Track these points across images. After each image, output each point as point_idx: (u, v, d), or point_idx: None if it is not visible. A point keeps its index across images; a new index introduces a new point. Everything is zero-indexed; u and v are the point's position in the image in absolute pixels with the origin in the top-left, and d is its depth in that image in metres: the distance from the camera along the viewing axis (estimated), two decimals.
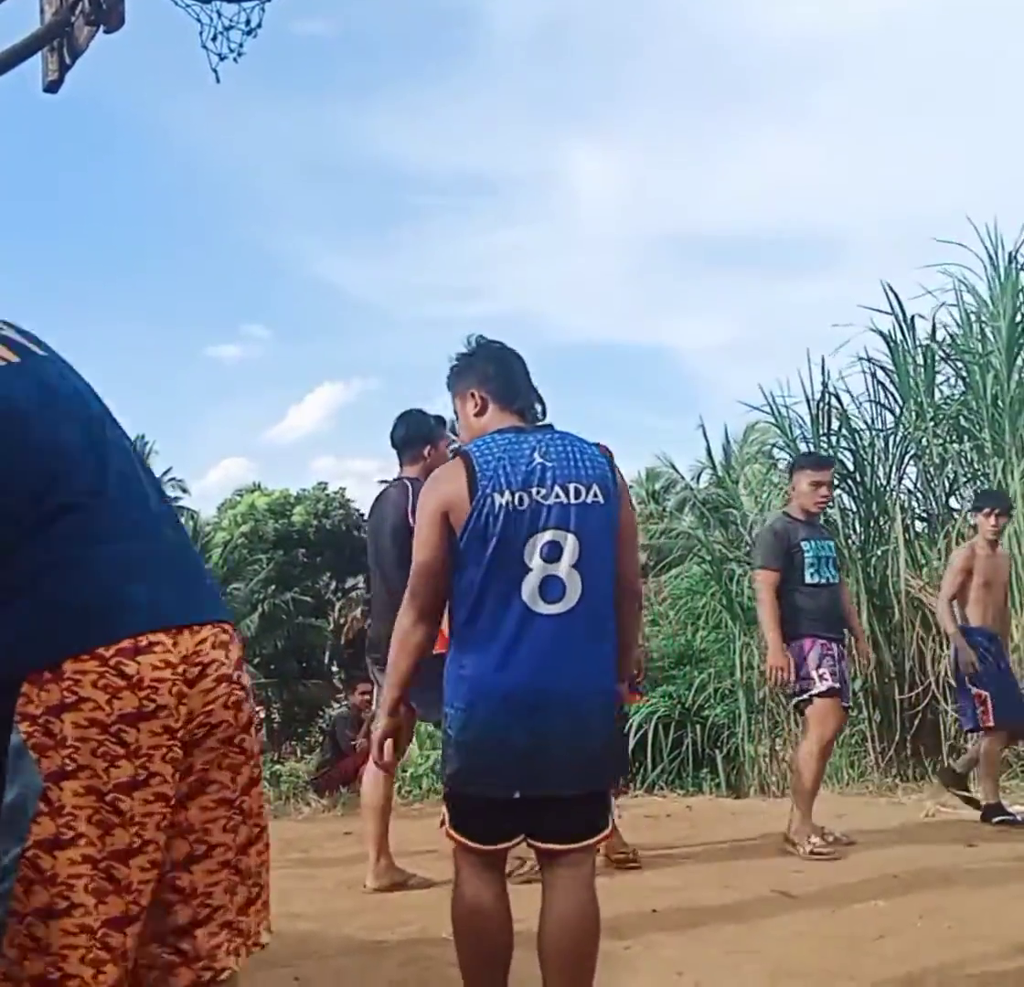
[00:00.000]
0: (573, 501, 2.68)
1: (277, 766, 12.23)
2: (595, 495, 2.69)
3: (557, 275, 48.63)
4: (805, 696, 5.29)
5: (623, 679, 2.98)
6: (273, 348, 50.13)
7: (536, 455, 2.71)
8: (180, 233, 52.01)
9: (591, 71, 49.45)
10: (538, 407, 2.90)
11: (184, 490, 32.03)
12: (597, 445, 2.79)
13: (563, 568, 2.64)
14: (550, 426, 2.83)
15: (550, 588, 2.64)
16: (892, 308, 9.23)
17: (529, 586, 2.63)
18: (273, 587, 29.83)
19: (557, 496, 2.67)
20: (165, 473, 35.10)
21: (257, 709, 2.11)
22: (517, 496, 2.66)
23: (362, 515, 33.33)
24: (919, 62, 47.22)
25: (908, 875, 4.59)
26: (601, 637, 2.70)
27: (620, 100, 49.45)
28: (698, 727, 9.99)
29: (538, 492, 2.67)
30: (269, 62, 50.05)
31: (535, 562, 2.64)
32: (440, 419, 4.88)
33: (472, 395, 2.90)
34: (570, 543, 2.65)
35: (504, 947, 2.70)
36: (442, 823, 2.76)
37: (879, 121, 46.99)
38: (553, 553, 2.64)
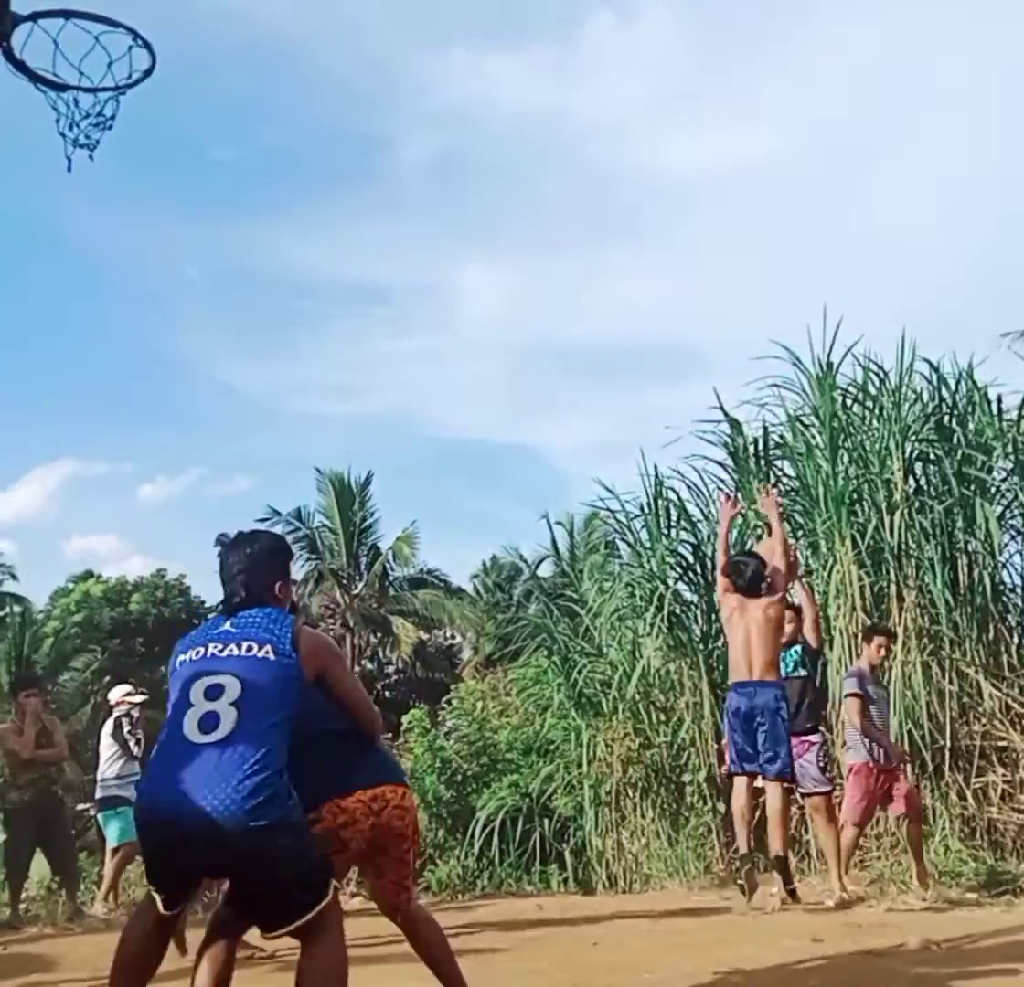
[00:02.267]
0: (241, 654, 3.25)
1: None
2: (264, 652, 3.25)
3: (441, 378, 51.76)
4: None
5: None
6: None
7: (227, 625, 3.36)
8: (75, 333, 52.76)
9: (483, 195, 53.07)
10: (241, 593, 3.46)
11: (13, 576, 30.75)
12: (293, 623, 3.38)
13: (221, 704, 3.15)
14: (256, 609, 3.40)
15: (206, 721, 3.14)
16: (724, 412, 9.66)
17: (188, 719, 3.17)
18: (107, 678, 28.76)
19: (231, 651, 3.26)
20: None
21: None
22: (196, 651, 3.31)
23: (203, 602, 32.73)
24: (769, 199, 51.84)
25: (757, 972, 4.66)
26: (241, 765, 3.05)
27: (508, 222, 53.37)
28: (546, 820, 9.99)
29: (215, 646, 3.30)
30: (184, 184, 51.84)
31: (198, 699, 3.19)
32: None
33: None
34: (233, 685, 3.18)
35: None
36: None
37: (738, 248, 50.88)
38: (215, 693, 3.18)
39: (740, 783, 6.40)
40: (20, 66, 4.71)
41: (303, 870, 3.14)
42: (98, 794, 9.07)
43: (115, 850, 8.84)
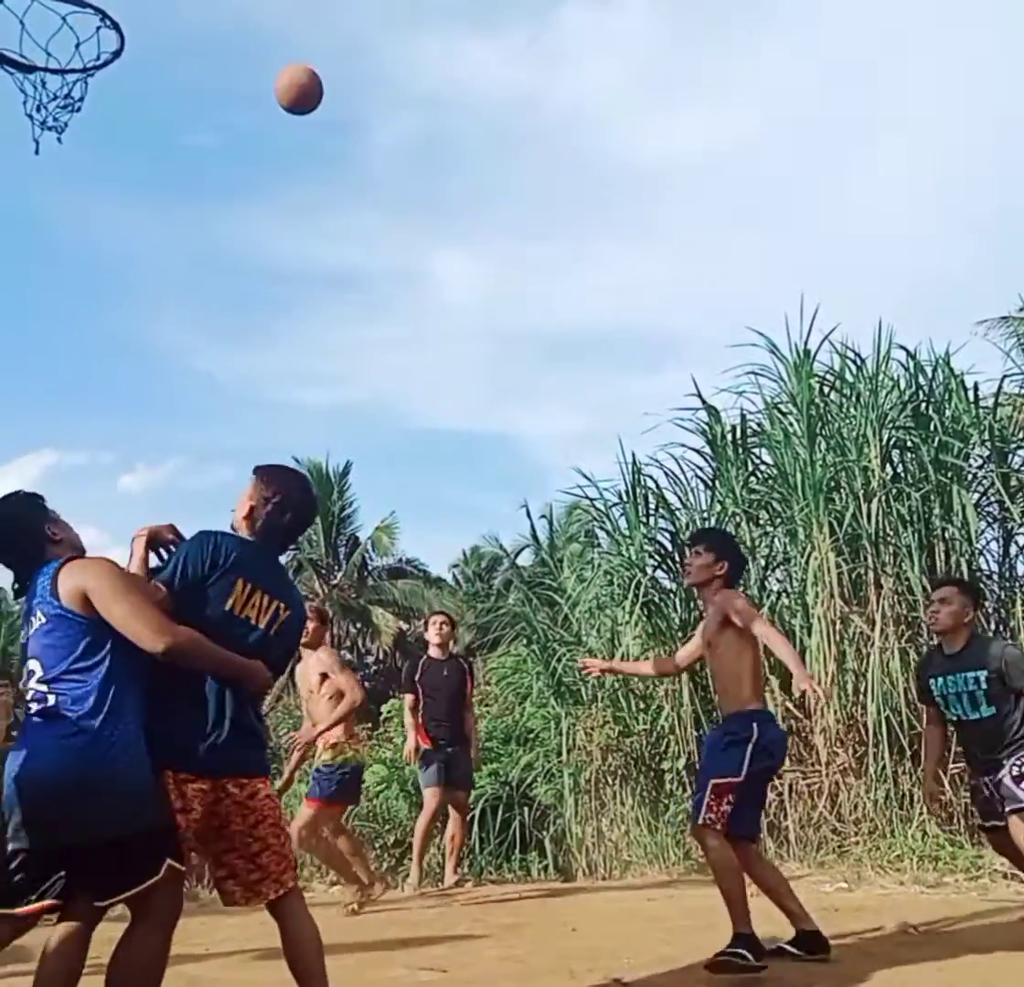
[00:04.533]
0: (31, 631, 3.29)
1: None
2: (36, 622, 3.27)
3: (418, 367, 51.60)
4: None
5: None
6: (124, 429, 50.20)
7: (28, 604, 3.36)
8: (51, 322, 52.46)
9: (460, 181, 53.04)
10: (16, 571, 3.44)
11: None
12: (54, 567, 3.29)
13: (37, 684, 3.22)
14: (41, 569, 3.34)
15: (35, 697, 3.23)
16: (702, 400, 9.66)
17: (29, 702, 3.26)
18: None
19: (27, 630, 3.32)
20: None
21: None
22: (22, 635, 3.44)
23: None
24: (747, 184, 51.84)
25: None
26: (84, 730, 3.13)
27: (486, 207, 53.15)
28: (525, 808, 10.01)
29: (23, 633, 3.39)
30: (157, 169, 51.61)
31: (26, 686, 3.27)
32: None
33: None
34: (36, 663, 3.25)
35: None
36: None
37: (714, 235, 50.94)
38: (31, 677, 3.26)
39: None
40: None
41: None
42: None
43: None
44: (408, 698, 8.17)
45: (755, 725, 4.69)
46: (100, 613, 3.19)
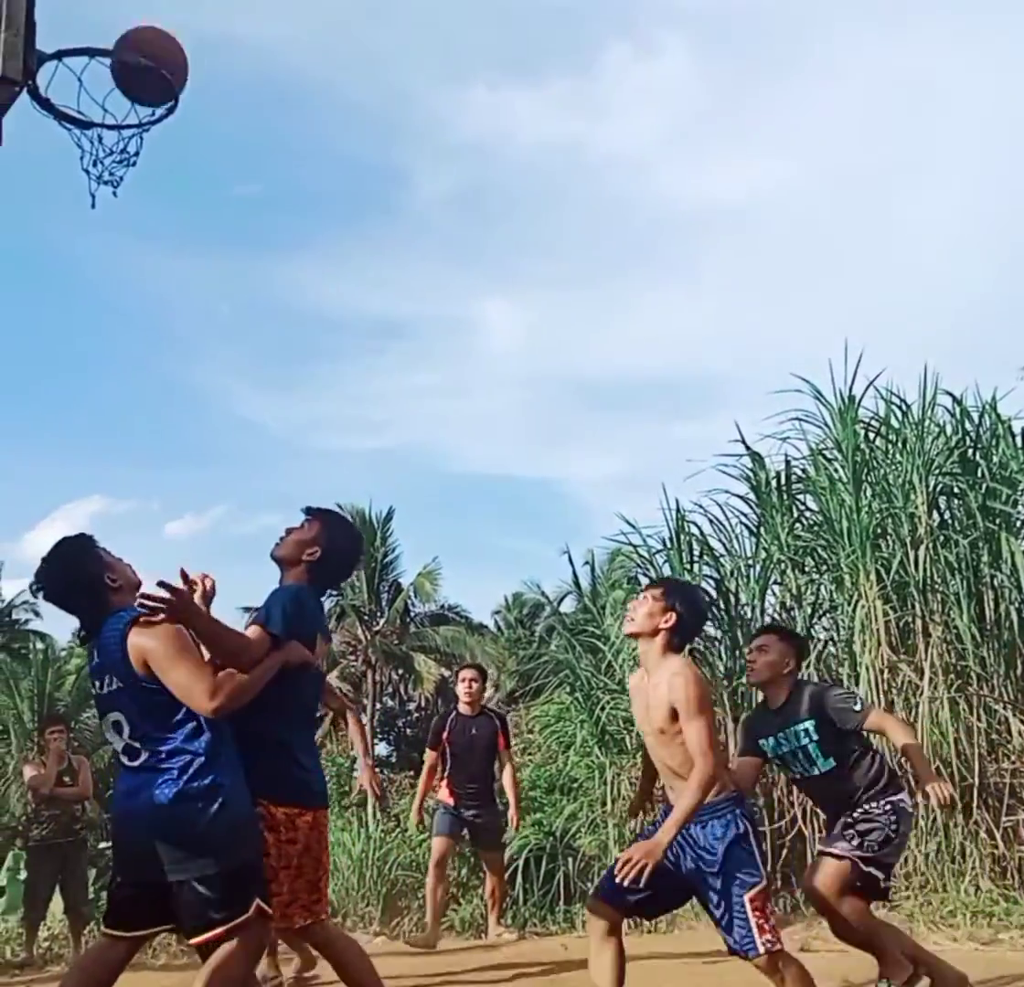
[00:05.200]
0: (108, 689, 3.42)
1: None
2: (113, 682, 3.40)
3: (460, 412, 52.20)
4: None
5: None
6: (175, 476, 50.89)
7: (96, 654, 3.47)
8: (101, 371, 53.50)
9: (503, 228, 53.79)
10: (78, 617, 3.54)
11: (36, 613, 30.86)
12: (122, 632, 3.37)
13: (128, 739, 3.40)
14: (105, 623, 3.43)
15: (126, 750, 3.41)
16: (745, 446, 9.62)
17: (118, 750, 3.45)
18: None
19: (106, 686, 3.43)
20: (18, 596, 34.05)
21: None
22: (95, 686, 3.50)
23: None
24: (791, 228, 51.95)
25: None
26: (176, 780, 3.29)
27: (528, 254, 53.90)
28: (570, 859, 9.89)
29: (97, 683, 3.48)
30: (206, 218, 52.64)
31: (112, 736, 3.46)
32: None
33: None
34: (123, 720, 3.40)
35: None
36: None
37: (757, 280, 51.08)
38: (118, 730, 3.42)
39: None
40: (45, 104, 4.76)
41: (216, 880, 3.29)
42: None
43: None
44: (429, 755, 8.03)
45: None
46: (158, 676, 3.32)
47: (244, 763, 3.42)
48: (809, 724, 4.73)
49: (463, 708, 7.98)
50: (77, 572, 3.47)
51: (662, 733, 4.01)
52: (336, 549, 3.79)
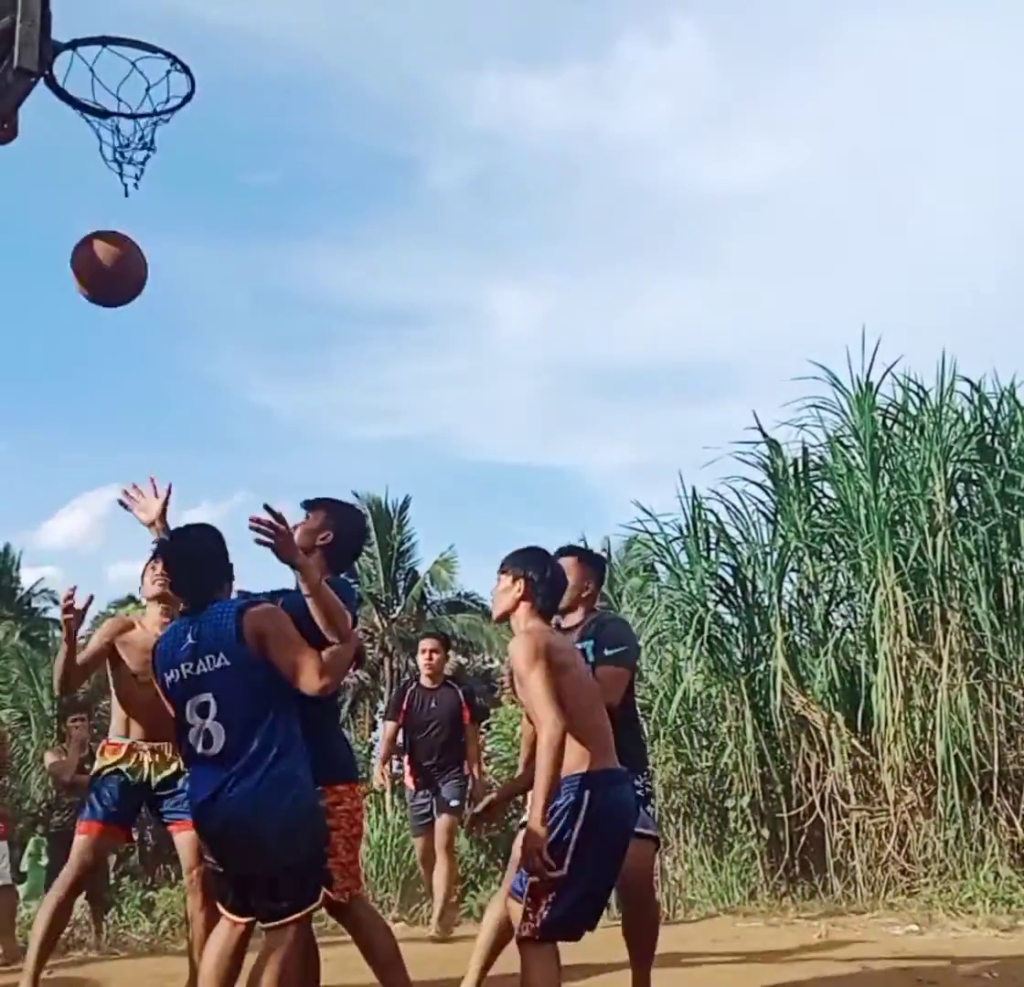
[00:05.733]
0: (209, 669, 3.46)
1: (150, 893, 11.61)
2: (217, 661, 3.45)
3: (475, 400, 52.23)
4: None
5: None
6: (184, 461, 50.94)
7: (189, 637, 3.52)
8: (120, 359, 53.71)
9: (516, 215, 53.69)
10: (190, 596, 3.67)
11: (55, 602, 31.01)
12: (236, 610, 3.49)
13: (211, 722, 3.43)
14: (209, 607, 3.56)
15: (203, 733, 3.46)
16: (763, 433, 9.58)
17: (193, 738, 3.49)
18: None
19: (202, 667, 3.47)
20: (37, 584, 34.25)
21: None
22: (174, 672, 3.53)
23: None
24: (804, 215, 51.68)
25: None
26: (254, 769, 3.36)
27: (541, 242, 53.65)
28: None
29: (186, 666, 3.50)
30: (219, 207, 52.68)
31: (193, 718, 3.47)
32: None
33: None
34: (212, 701, 3.45)
35: None
36: None
37: (774, 266, 50.82)
38: (202, 712, 3.46)
39: None
40: (63, 94, 4.75)
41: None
42: None
43: None
44: (388, 726, 7.75)
45: None
46: (271, 657, 3.43)
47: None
48: (587, 645, 4.33)
49: (424, 680, 7.64)
50: (215, 549, 3.70)
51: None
52: (345, 529, 3.97)
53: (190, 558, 3.69)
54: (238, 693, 3.43)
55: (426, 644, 7.77)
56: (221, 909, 3.60)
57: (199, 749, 3.46)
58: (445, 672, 7.86)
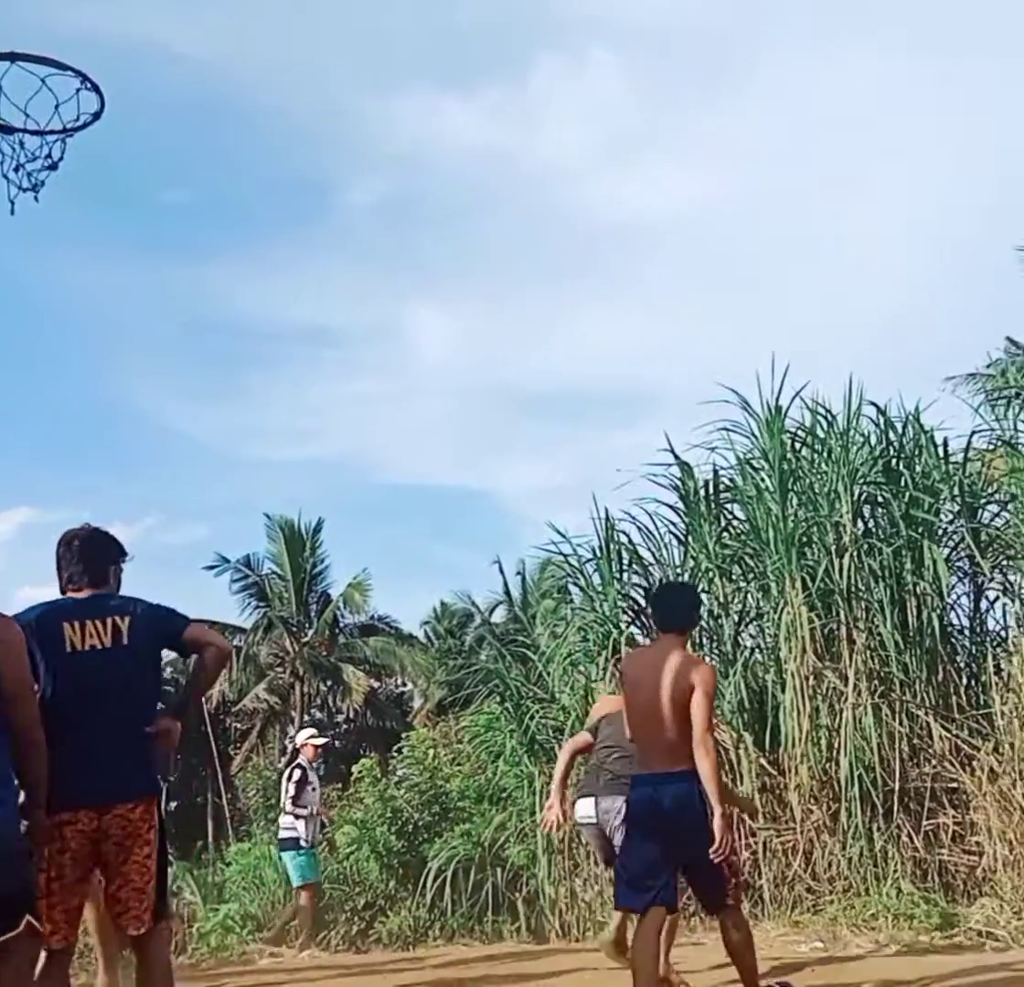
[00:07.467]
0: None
1: None
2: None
3: (392, 422, 51.76)
4: None
5: None
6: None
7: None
8: (25, 379, 52.54)
9: (434, 238, 53.39)
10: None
11: None
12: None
13: None
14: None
15: None
16: (674, 455, 9.68)
17: None
18: None
19: None
20: None
21: None
22: None
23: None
24: (722, 241, 52.49)
25: None
26: None
27: (461, 265, 53.49)
28: (498, 869, 9.86)
29: None
30: (133, 226, 51.75)
31: None
32: None
33: None
34: None
35: None
36: None
37: (688, 292, 51.47)
38: None
39: None
40: None
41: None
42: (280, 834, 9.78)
43: (300, 890, 9.51)
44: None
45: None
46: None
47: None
48: None
49: None
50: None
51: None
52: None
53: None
54: None
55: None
56: None
57: None
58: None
